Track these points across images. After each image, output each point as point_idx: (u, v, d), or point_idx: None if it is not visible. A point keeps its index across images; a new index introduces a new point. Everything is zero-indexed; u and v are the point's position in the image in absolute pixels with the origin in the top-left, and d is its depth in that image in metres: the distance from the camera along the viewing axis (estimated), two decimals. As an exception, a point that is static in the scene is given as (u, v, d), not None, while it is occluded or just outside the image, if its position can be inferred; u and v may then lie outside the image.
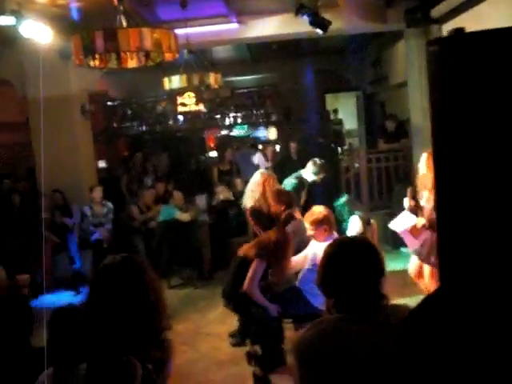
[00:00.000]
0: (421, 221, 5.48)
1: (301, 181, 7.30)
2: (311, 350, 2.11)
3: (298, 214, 6.00)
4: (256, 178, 6.86)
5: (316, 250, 5.08)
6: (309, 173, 7.35)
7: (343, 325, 2.14)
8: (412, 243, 5.75)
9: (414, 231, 5.56)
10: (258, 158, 10.93)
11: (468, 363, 1.28)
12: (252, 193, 6.81)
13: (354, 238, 2.47)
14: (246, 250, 5.46)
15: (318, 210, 5.30)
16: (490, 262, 1.36)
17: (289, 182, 7.32)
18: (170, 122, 13.65)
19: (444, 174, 1.37)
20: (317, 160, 7.41)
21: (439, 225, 1.47)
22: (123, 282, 2.24)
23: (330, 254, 2.32)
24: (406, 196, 6.08)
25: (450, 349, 1.32)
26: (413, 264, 5.92)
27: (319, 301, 4.82)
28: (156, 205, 9.44)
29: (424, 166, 5.55)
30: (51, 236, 8.66)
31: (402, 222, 5.83)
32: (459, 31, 1.23)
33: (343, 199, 7.59)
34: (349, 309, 2.20)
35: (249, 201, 6.82)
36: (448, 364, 1.31)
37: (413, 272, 5.92)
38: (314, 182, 7.37)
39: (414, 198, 5.83)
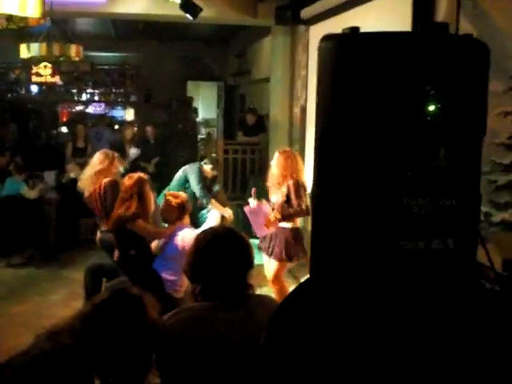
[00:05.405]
0: (277, 215, 5.57)
1: (203, 172, 7.08)
2: (175, 337, 2.07)
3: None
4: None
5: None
6: (208, 167, 7.18)
7: (210, 313, 2.14)
8: (261, 231, 5.89)
9: (267, 222, 5.68)
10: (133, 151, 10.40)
11: (337, 355, 1.31)
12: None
13: (227, 229, 2.49)
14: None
15: (179, 195, 5.31)
16: (360, 258, 1.40)
17: (195, 170, 6.97)
18: (23, 92, 12.90)
19: (325, 170, 1.39)
20: (214, 155, 7.31)
21: (314, 221, 1.49)
22: None
23: (201, 242, 2.31)
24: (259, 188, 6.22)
25: (319, 341, 1.35)
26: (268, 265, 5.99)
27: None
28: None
29: (275, 165, 5.65)
30: None
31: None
32: (355, 30, 1.25)
33: (216, 188, 7.61)
34: (216, 297, 2.20)
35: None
36: (317, 357, 1.33)
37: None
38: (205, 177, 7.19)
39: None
